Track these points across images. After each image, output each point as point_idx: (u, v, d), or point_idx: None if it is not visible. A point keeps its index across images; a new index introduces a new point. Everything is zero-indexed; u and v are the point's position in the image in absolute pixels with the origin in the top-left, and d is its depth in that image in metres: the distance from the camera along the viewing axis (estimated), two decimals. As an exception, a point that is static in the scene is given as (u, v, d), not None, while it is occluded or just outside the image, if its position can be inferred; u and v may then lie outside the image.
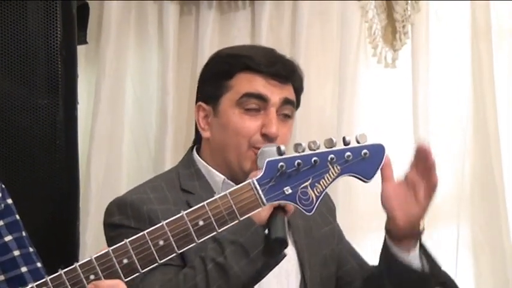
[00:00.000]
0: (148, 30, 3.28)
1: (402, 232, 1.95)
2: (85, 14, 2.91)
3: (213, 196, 1.66)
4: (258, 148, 2.01)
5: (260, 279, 1.90)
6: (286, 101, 2.06)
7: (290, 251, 2.05)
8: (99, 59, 3.20)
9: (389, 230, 1.97)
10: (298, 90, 2.13)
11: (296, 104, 2.13)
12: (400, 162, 3.22)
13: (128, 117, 3.27)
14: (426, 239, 3.19)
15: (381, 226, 3.29)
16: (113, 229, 2.01)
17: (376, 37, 3.26)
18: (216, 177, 2.07)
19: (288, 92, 2.07)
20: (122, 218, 2.00)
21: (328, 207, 2.23)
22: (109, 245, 1.96)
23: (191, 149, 2.17)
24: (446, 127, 3.33)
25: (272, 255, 1.83)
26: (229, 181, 2.03)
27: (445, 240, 3.32)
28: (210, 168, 2.09)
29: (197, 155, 2.13)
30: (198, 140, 2.17)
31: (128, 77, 3.26)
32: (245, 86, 2.04)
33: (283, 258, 1.86)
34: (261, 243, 1.81)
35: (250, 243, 1.82)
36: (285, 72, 2.07)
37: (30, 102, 2.54)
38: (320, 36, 3.28)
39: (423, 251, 2.00)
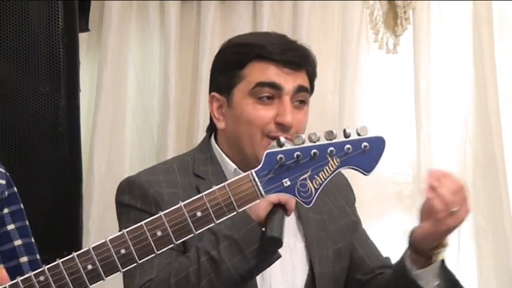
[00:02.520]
0: (149, 16, 3.26)
1: (417, 242, 1.93)
2: (86, 1, 2.90)
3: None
4: (272, 137, 1.97)
5: (254, 277, 1.88)
6: (300, 89, 2.02)
7: (299, 244, 2.05)
8: (100, 46, 3.19)
9: (410, 236, 1.95)
10: (312, 75, 2.08)
11: (310, 89, 2.08)
12: (400, 148, 3.25)
13: (130, 103, 3.27)
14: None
15: (380, 213, 3.31)
16: (121, 207, 2.01)
17: (377, 23, 3.24)
18: (228, 165, 2.05)
19: (302, 79, 2.03)
20: (130, 197, 1.99)
21: (348, 200, 2.19)
22: (118, 220, 2.00)
23: (209, 134, 2.13)
24: (448, 113, 3.31)
25: (266, 254, 1.81)
26: (240, 171, 1.99)
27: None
28: (224, 156, 2.06)
29: (214, 141, 2.10)
30: (212, 127, 2.12)
31: (130, 63, 3.25)
32: (258, 76, 2.00)
33: (278, 258, 1.83)
34: (257, 241, 1.79)
35: (245, 240, 1.80)
36: (298, 59, 2.02)
37: (32, 90, 2.53)
38: (321, 22, 3.26)
39: (445, 277, 1.96)
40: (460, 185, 1.87)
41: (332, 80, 3.25)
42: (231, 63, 2.05)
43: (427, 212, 1.89)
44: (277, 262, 1.93)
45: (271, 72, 2.00)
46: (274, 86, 1.99)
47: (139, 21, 3.26)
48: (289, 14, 3.22)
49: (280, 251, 1.83)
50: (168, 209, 1.59)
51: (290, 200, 1.73)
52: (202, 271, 1.81)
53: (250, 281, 1.89)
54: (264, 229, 1.78)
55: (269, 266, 1.84)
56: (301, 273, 2.03)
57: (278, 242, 1.76)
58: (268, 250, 1.79)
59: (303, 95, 2.03)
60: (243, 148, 2.01)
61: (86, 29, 2.93)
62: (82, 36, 2.83)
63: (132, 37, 3.26)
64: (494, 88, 3.22)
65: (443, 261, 1.95)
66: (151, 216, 1.60)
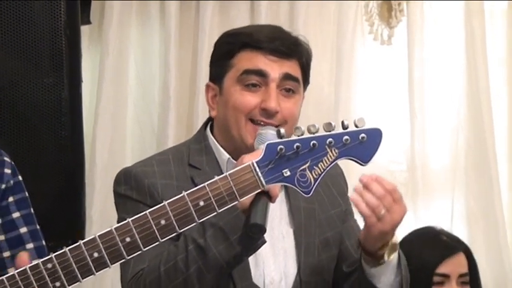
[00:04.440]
0: (150, 9, 3.25)
1: (362, 243, 1.93)
2: (88, -6, 2.90)
3: (218, 173, 1.63)
4: (256, 122, 1.97)
5: (240, 262, 1.87)
6: (287, 77, 2.00)
7: (290, 230, 2.04)
8: (102, 38, 3.18)
9: (358, 239, 1.96)
10: (305, 66, 2.07)
11: (304, 79, 2.07)
12: (395, 137, 3.25)
13: (131, 94, 3.26)
14: (423, 208, 3.24)
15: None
16: (118, 197, 2.01)
17: (372, 15, 3.24)
18: (222, 155, 2.04)
19: (290, 68, 2.02)
20: (126, 188, 1.99)
21: (339, 189, 2.18)
22: (117, 210, 2.00)
23: (205, 124, 2.13)
24: (440, 103, 3.32)
25: (251, 241, 1.79)
26: (233, 160, 1.99)
27: (441, 209, 3.34)
28: (218, 145, 2.05)
29: (209, 131, 2.09)
30: (211, 117, 2.12)
31: (131, 55, 3.25)
32: (245, 63, 2.00)
33: (263, 244, 1.82)
34: (241, 228, 1.78)
35: (230, 228, 1.79)
36: (285, 47, 2.01)
37: (36, 81, 2.53)
38: (318, 14, 3.26)
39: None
40: (388, 188, 1.83)
41: (328, 71, 3.25)
42: (222, 53, 2.05)
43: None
44: (270, 249, 1.95)
45: (258, 60, 1.99)
46: (261, 74, 1.99)
47: (140, 14, 3.25)
48: (286, 7, 3.22)
49: (273, 238, 1.84)
50: (163, 199, 1.59)
51: (274, 187, 1.70)
52: (190, 259, 1.81)
53: (236, 267, 1.87)
54: (248, 216, 1.75)
55: (254, 252, 1.84)
56: (292, 259, 2.02)
57: (261, 229, 1.73)
58: (252, 237, 1.78)
59: (290, 84, 2.01)
60: (231, 133, 2.01)
61: (87, 21, 2.93)
62: (84, 29, 2.84)
63: (133, 30, 3.25)
64: (485, 78, 3.23)
65: (399, 258, 1.95)
66: (146, 206, 1.60)
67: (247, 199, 1.70)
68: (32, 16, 2.51)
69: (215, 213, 1.61)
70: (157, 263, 1.83)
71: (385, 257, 1.92)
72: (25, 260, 1.55)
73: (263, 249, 1.87)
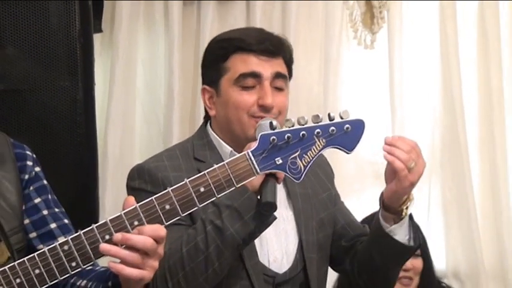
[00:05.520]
0: (155, 18, 3.25)
1: (387, 201, 1.97)
2: (100, 5, 2.89)
3: None
4: (257, 117, 1.99)
5: (254, 239, 1.89)
6: (278, 74, 2.02)
7: (289, 213, 2.06)
8: (112, 45, 3.18)
9: (381, 198, 1.99)
10: (289, 61, 2.09)
11: (289, 74, 2.09)
12: (377, 132, 3.25)
13: (139, 96, 3.26)
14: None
15: (359, 189, 3.32)
16: (133, 191, 2.00)
17: (356, 22, 3.24)
18: (224, 148, 2.05)
19: (279, 66, 2.04)
20: (140, 182, 1.99)
21: (327, 175, 2.21)
22: None
23: (205, 122, 2.14)
24: (418, 101, 3.32)
25: (263, 218, 1.82)
26: (235, 152, 1.99)
27: (419, 199, 3.28)
28: (220, 140, 2.06)
29: (210, 128, 2.10)
30: (208, 116, 2.13)
31: (139, 60, 3.24)
32: (240, 67, 2.01)
33: (274, 220, 1.84)
34: (254, 207, 1.80)
35: (244, 208, 1.80)
36: (273, 47, 2.02)
37: (53, 84, 2.52)
38: (307, 22, 3.26)
39: (413, 229, 2.01)
40: (412, 144, 1.90)
41: (317, 72, 3.25)
42: (216, 57, 2.05)
43: (390, 173, 1.92)
44: (272, 231, 1.95)
45: (251, 62, 2.00)
46: (255, 75, 2.00)
47: (146, 23, 3.25)
48: (279, 15, 3.22)
49: (275, 220, 1.84)
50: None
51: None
52: (210, 239, 1.82)
53: (250, 243, 1.89)
54: (259, 196, 1.79)
55: (266, 227, 1.85)
56: (293, 239, 2.04)
57: (273, 206, 1.77)
58: (264, 214, 1.80)
59: (281, 80, 2.04)
60: (234, 130, 2.02)
61: (99, 30, 2.92)
62: (96, 37, 2.83)
63: (140, 37, 3.25)
64: (458, 78, 3.23)
65: (411, 217, 1.99)
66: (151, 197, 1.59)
67: (256, 181, 1.73)
68: (50, 26, 2.50)
69: (214, 198, 1.62)
70: (178, 245, 1.84)
71: (404, 212, 1.96)
72: (132, 202, 1.58)
73: (267, 232, 1.89)
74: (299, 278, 2.03)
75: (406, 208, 1.96)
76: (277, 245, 2.02)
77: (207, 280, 1.84)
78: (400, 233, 1.98)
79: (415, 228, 2.00)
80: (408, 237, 1.99)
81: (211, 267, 1.83)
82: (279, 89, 2.03)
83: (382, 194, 1.98)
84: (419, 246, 2.03)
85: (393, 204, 1.95)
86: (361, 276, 2.09)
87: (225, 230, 1.81)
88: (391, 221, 1.97)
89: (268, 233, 1.94)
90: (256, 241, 1.95)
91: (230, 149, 2.03)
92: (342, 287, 2.90)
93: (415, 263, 2.87)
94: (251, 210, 1.80)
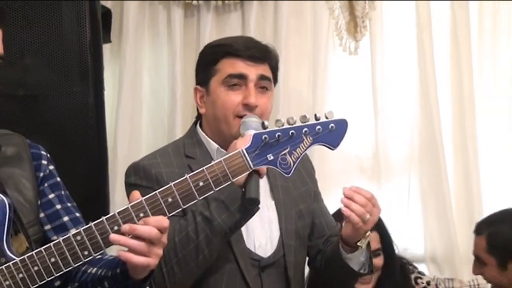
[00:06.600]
0: (159, 29, 3.24)
1: (345, 238, 2.01)
2: (108, 18, 2.90)
3: (209, 160, 1.65)
4: (241, 116, 1.99)
5: (239, 227, 1.91)
6: (262, 77, 2.03)
7: (271, 202, 2.07)
8: (120, 54, 3.17)
9: (340, 236, 2.03)
10: (274, 68, 2.10)
11: (274, 79, 2.10)
12: (362, 130, 3.26)
13: (145, 100, 3.25)
14: (385, 189, 3.25)
15: (345, 182, 3.31)
16: (129, 186, 2.01)
17: (341, 30, 3.24)
18: (212, 145, 2.06)
19: (263, 70, 2.04)
20: (136, 178, 2.00)
21: (308, 172, 2.22)
22: (128, 198, 1.97)
23: (195, 123, 2.15)
24: (398, 103, 3.32)
25: (247, 209, 1.83)
26: (222, 149, 2.01)
27: (399, 190, 3.33)
28: (207, 138, 2.07)
29: (199, 128, 2.11)
30: (199, 115, 2.14)
31: (144, 68, 3.24)
32: (228, 69, 2.02)
33: (257, 211, 1.85)
34: (239, 199, 1.81)
35: (230, 200, 1.82)
36: (259, 54, 2.04)
37: (66, 90, 2.52)
38: (297, 31, 3.25)
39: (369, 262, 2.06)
40: (368, 196, 1.91)
41: (306, 77, 3.24)
42: (207, 61, 2.07)
43: (348, 221, 1.95)
44: (258, 218, 1.97)
45: (238, 65, 2.01)
46: (241, 76, 2.01)
47: (151, 33, 3.24)
48: (271, 24, 3.21)
49: (260, 210, 1.85)
50: (168, 183, 1.60)
51: (262, 167, 1.73)
52: (199, 228, 1.84)
53: (236, 231, 1.91)
54: (243, 190, 1.80)
55: (251, 217, 1.87)
56: (276, 226, 2.06)
57: (255, 201, 1.78)
58: (248, 207, 1.82)
59: (265, 83, 2.04)
60: (220, 126, 2.02)
61: (108, 40, 2.93)
62: (105, 47, 2.83)
63: (146, 47, 3.24)
64: (434, 83, 3.22)
65: (368, 245, 2.03)
66: (154, 191, 1.60)
67: (241, 177, 1.72)
68: (63, 36, 2.50)
69: (212, 191, 1.62)
70: (171, 235, 1.84)
71: (360, 245, 1.99)
72: (137, 196, 1.59)
73: (252, 220, 1.90)
74: (281, 262, 2.04)
75: (361, 243, 2.00)
76: (262, 232, 2.03)
77: (198, 265, 1.86)
78: (356, 258, 2.02)
79: (369, 253, 2.05)
80: (364, 259, 2.03)
81: (201, 254, 1.84)
82: (263, 89, 2.04)
83: (340, 228, 2.03)
84: (371, 272, 2.08)
85: (350, 241, 2.00)
86: (324, 275, 2.14)
87: (213, 220, 1.83)
88: (348, 250, 2.02)
89: (254, 221, 1.96)
90: (243, 228, 1.95)
91: (217, 146, 2.04)
92: (312, 281, 2.85)
93: (376, 262, 2.79)
94: (236, 202, 1.82)
